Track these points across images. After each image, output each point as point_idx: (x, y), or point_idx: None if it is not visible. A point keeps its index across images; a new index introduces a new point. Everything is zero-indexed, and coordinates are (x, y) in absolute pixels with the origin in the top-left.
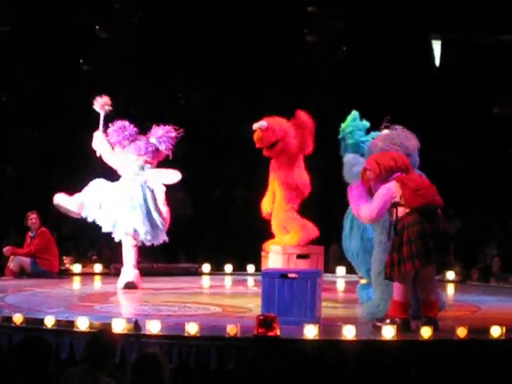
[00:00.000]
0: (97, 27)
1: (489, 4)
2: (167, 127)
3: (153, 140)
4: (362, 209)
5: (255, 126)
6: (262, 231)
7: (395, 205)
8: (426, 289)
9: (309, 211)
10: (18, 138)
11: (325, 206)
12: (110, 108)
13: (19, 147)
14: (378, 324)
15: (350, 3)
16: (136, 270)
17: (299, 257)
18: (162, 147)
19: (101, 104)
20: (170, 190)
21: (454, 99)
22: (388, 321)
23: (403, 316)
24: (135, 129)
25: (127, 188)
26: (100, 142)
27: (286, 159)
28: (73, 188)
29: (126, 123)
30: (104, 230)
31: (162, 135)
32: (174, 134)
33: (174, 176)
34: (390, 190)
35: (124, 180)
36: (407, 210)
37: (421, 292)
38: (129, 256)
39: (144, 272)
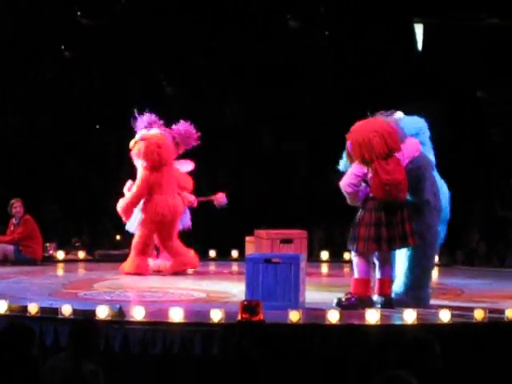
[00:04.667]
0: (78, 13)
1: None
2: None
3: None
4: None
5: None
6: (247, 217)
7: (365, 182)
8: (384, 267)
9: (293, 196)
10: (0, 125)
11: (309, 191)
12: None
13: (0, 134)
14: (344, 303)
15: None
16: None
17: (283, 241)
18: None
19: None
20: None
21: (437, 83)
22: (353, 299)
23: (367, 294)
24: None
25: None
26: None
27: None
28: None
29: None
30: None
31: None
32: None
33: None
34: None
35: None
36: (371, 195)
37: (379, 270)
38: None
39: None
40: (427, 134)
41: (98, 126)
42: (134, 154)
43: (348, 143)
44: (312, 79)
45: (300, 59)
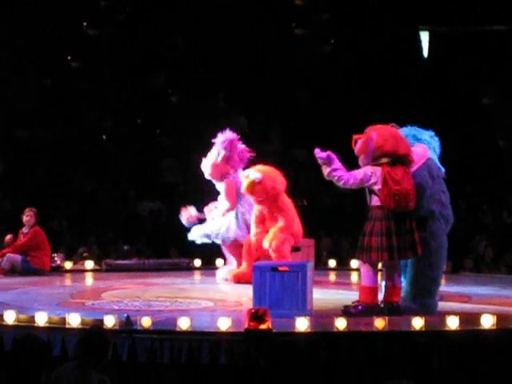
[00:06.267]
0: (84, 24)
1: None
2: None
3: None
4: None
5: (250, 174)
6: None
7: (371, 192)
8: (392, 275)
9: (299, 204)
10: (7, 136)
11: (315, 200)
12: (195, 220)
13: (9, 145)
14: (352, 310)
15: None
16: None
17: (291, 250)
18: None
19: (186, 218)
20: None
21: (444, 91)
22: (360, 307)
23: (374, 301)
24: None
25: None
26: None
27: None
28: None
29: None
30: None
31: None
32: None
33: None
34: (367, 175)
35: None
36: (378, 204)
37: (386, 278)
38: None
39: (135, 268)
40: (436, 144)
41: (104, 137)
42: (250, 191)
43: (372, 134)
44: (316, 83)
45: (305, 64)
